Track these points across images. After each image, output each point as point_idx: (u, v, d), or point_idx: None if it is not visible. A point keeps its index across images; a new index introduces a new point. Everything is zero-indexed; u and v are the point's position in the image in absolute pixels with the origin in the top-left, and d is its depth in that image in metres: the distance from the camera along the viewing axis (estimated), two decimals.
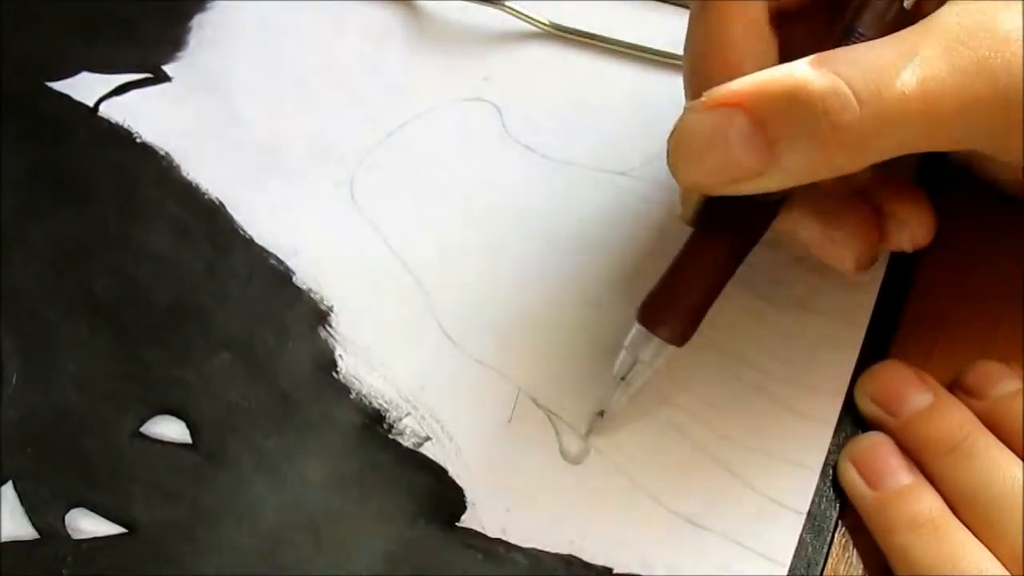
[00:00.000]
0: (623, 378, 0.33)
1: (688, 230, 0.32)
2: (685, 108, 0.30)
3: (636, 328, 0.32)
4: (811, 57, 0.28)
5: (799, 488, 0.33)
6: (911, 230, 0.33)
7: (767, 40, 0.31)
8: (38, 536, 0.34)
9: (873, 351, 0.34)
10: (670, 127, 0.37)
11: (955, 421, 0.32)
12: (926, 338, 0.34)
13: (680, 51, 0.37)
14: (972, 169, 0.34)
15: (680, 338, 0.32)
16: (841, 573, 0.32)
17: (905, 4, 0.30)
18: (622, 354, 0.33)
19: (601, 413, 0.34)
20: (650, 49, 0.38)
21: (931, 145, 0.29)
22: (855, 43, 0.29)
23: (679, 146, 0.29)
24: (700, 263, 0.31)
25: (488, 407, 0.35)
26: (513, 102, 0.38)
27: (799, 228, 0.32)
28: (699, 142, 0.29)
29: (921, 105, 0.27)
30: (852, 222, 0.32)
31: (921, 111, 0.27)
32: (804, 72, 0.28)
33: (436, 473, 0.34)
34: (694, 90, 0.31)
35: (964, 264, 0.35)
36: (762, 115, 0.28)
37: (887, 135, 0.28)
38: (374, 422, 0.35)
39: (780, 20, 0.31)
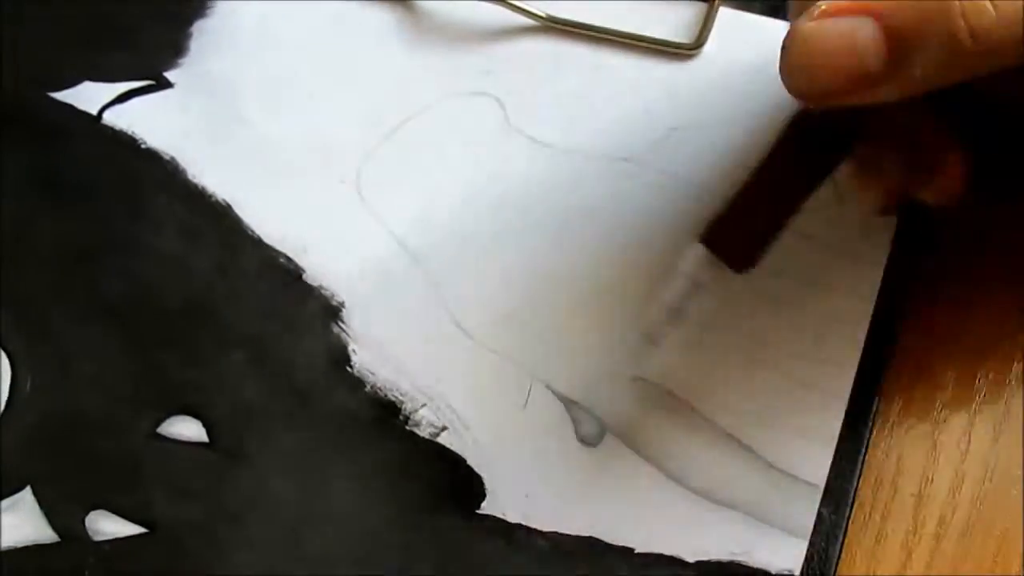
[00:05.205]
0: (677, 308, 0.32)
1: None
2: (800, 18, 0.29)
3: (697, 249, 0.31)
4: None
5: (815, 462, 0.33)
6: (942, 184, 0.32)
7: None
8: (59, 539, 0.34)
9: (881, 323, 0.34)
10: (669, 114, 0.38)
11: None
12: (936, 314, 0.35)
13: (674, 39, 0.38)
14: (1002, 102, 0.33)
15: (745, 264, 0.31)
16: (860, 544, 0.32)
17: None
18: (678, 280, 0.31)
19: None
20: (645, 38, 0.38)
21: None
22: None
23: (799, 54, 0.28)
24: (775, 187, 0.31)
25: (503, 395, 0.35)
26: (515, 94, 0.38)
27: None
28: (823, 50, 0.28)
29: None
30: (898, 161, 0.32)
31: None
32: None
33: (454, 462, 0.34)
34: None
35: (976, 239, 0.35)
36: (896, 20, 0.27)
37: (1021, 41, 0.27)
38: (390, 414, 0.35)
39: None
